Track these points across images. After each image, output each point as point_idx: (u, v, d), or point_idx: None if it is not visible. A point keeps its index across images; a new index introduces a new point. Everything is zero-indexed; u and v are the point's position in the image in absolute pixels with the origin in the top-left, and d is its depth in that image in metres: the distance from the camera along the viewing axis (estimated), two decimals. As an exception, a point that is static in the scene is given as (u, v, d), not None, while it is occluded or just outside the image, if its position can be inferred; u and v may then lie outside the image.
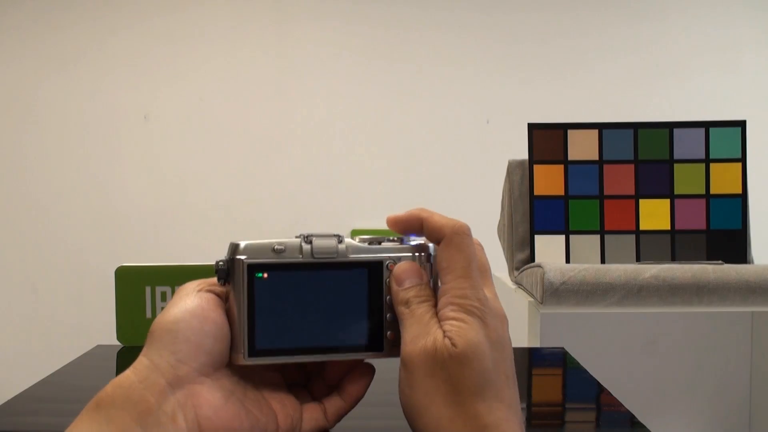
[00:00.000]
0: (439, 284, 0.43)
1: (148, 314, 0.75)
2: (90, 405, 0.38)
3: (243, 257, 0.41)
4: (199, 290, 0.42)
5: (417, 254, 0.44)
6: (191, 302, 0.40)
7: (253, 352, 0.41)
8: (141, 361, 0.39)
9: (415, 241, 0.44)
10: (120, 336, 0.77)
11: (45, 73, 2.82)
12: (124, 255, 2.67)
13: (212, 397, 0.39)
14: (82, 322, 2.70)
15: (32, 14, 2.81)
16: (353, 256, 0.43)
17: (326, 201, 2.81)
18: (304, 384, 0.46)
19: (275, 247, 0.41)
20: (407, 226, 0.44)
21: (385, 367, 0.45)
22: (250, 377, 0.43)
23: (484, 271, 0.42)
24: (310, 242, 0.42)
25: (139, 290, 0.75)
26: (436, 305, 0.41)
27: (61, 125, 2.82)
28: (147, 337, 0.40)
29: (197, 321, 0.40)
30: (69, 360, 0.71)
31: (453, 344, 0.38)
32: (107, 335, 0.79)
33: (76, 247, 2.80)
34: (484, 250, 0.44)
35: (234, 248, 0.41)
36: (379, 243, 0.44)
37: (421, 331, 0.40)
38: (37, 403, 0.58)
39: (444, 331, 0.39)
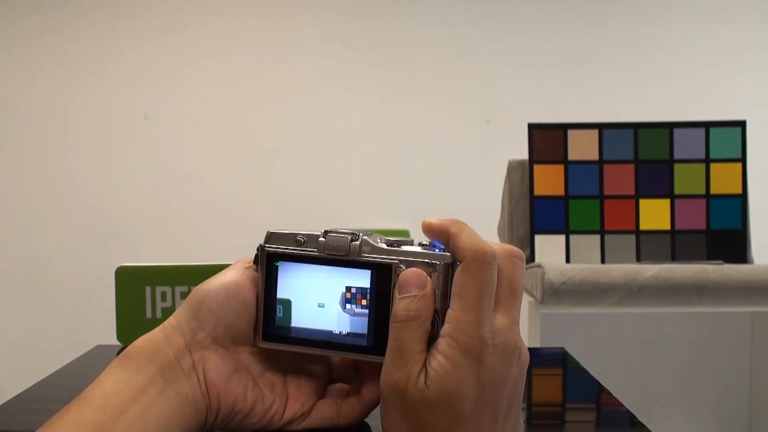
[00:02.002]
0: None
1: (148, 314, 0.75)
2: (120, 356, 0.42)
3: (267, 245, 0.43)
4: (247, 267, 0.44)
5: (433, 262, 0.40)
6: (230, 276, 0.43)
7: (266, 336, 0.43)
8: (170, 321, 0.43)
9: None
10: (120, 336, 0.77)
11: (44, 73, 2.82)
12: (124, 255, 2.67)
13: (222, 364, 0.42)
14: (82, 322, 2.70)
15: (31, 14, 2.81)
16: (366, 256, 0.42)
17: (326, 201, 2.81)
18: (348, 380, 0.46)
19: (298, 237, 0.43)
20: (436, 236, 0.42)
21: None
22: (276, 360, 0.44)
23: (513, 292, 0.39)
24: (326, 237, 0.42)
25: (139, 290, 0.75)
26: (433, 321, 0.39)
27: (61, 125, 2.82)
28: (185, 299, 0.43)
29: (225, 295, 0.42)
30: (69, 360, 0.71)
31: (427, 386, 0.37)
32: (107, 335, 0.79)
33: (76, 247, 2.80)
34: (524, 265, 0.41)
35: (267, 236, 0.43)
36: (399, 245, 0.42)
37: (398, 363, 0.38)
38: (37, 403, 0.58)
39: (427, 365, 0.38)
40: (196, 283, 0.44)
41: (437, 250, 0.41)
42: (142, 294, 0.75)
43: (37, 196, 2.82)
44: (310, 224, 2.73)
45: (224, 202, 2.81)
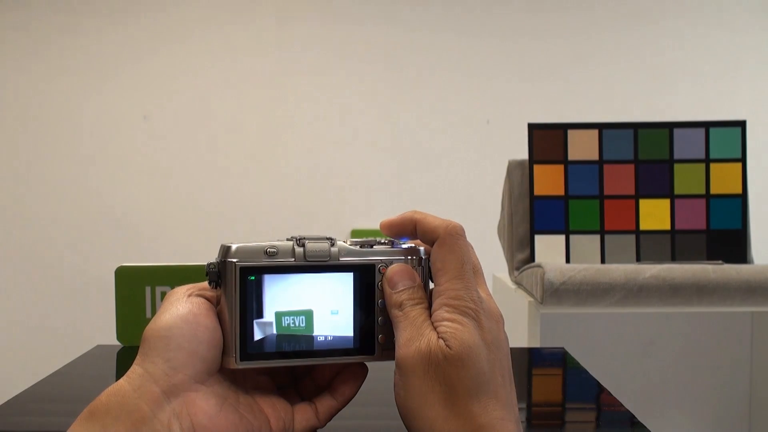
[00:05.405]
0: (432, 285, 0.42)
1: (148, 314, 0.75)
2: (83, 414, 0.37)
3: (235, 260, 0.40)
4: (190, 295, 0.41)
5: (409, 257, 0.44)
6: (183, 308, 0.40)
7: (245, 356, 0.40)
8: (135, 370, 0.39)
9: (407, 243, 0.44)
10: (120, 336, 0.77)
11: (45, 74, 2.82)
12: (124, 255, 2.67)
13: (207, 404, 0.39)
14: (82, 322, 2.70)
15: (33, 15, 2.81)
16: (345, 259, 0.43)
17: (326, 201, 2.81)
18: (293, 385, 0.46)
19: (267, 249, 0.41)
20: (401, 229, 0.44)
21: (378, 367, 0.45)
22: (241, 381, 0.42)
23: (477, 271, 0.42)
24: (303, 245, 0.42)
25: (139, 290, 0.75)
26: (429, 308, 0.41)
27: (61, 125, 2.82)
28: (140, 345, 0.40)
29: (190, 327, 0.39)
30: (69, 360, 0.71)
31: (448, 346, 0.38)
32: (107, 335, 0.79)
33: (76, 247, 2.80)
34: (482, 250, 0.44)
35: (225, 251, 0.41)
36: (371, 246, 0.43)
37: (415, 334, 0.40)
38: (37, 403, 0.58)
39: (438, 333, 0.39)
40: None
41: (401, 246, 0.44)
42: (142, 294, 0.75)
43: (37, 196, 2.82)
44: (310, 224, 2.74)
45: (224, 202, 2.81)
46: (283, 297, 0.41)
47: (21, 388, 0.61)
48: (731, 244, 1.38)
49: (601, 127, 1.42)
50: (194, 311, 0.40)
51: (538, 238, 1.39)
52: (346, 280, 0.43)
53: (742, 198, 1.39)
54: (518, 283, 1.38)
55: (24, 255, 2.82)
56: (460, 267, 0.41)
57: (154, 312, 0.75)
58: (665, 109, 2.73)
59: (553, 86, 2.81)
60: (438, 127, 2.83)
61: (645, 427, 0.54)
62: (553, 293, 1.17)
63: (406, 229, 0.43)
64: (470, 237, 0.43)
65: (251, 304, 0.41)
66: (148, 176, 2.82)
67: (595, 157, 1.41)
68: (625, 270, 1.19)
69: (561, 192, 1.40)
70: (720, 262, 1.29)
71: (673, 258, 1.37)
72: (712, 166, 1.40)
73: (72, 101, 2.82)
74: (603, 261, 1.38)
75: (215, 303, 0.42)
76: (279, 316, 0.41)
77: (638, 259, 1.38)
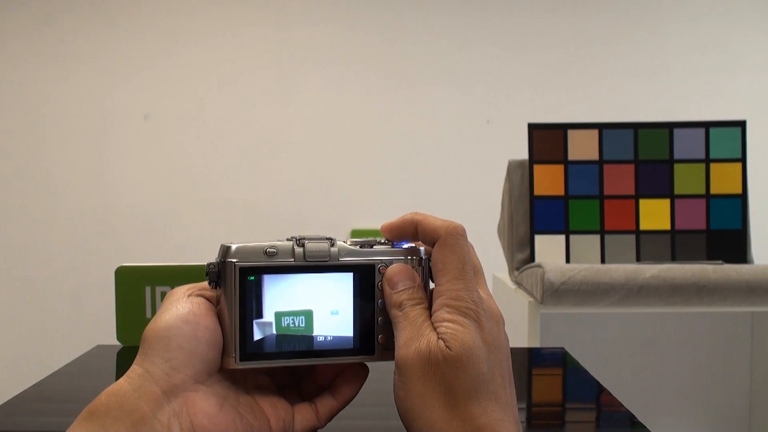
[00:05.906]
0: (432, 286, 0.43)
1: (148, 314, 0.75)
2: (83, 414, 0.37)
3: (234, 260, 0.40)
4: (190, 295, 0.41)
5: (409, 257, 0.44)
6: (182, 308, 0.40)
7: (244, 356, 0.41)
8: (134, 370, 0.39)
9: (407, 244, 0.44)
10: (120, 336, 0.77)
11: (45, 73, 2.82)
12: (124, 255, 2.67)
13: (207, 404, 0.39)
14: (82, 322, 2.70)
15: (33, 14, 2.81)
16: (345, 259, 0.43)
17: (326, 201, 2.81)
18: (294, 385, 0.46)
19: (267, 249, 0.41)
20: (402, 231, 0.44)
21: (378, 367, 0.45)
22: (241, 381, 0.42)
23: (477, 271, 0.42)
24: (303, 245, 0.42)
25: (139, 290, 0.75)
26: (429, 308, 0.41)
27: (61, 125, 2.82)
28: (140, 345, 0.40)
29: (190, 327, 0.39)
30: (69, 360, 0.71)
31: (447, 347, 0.38)
32: (107, 335, 0.79)
33: (76, 247, 2.80)
34: (482, 250, 0.44)
35: (225, 251, 0.41)
36: (371, 246, 0.43)
37: (415, 334, 0.40)
38: (37, 403, 0.58)
39: (438, 334, 0.39)
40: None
41: (402, 246, 0.44)
42: (142, 294, 0.75)
43: (37, 196, 2.82)
44: (310, 224, 2.73)
45: (224, 202, 2.81)
46: (283, 297, 0.41)
47: (21, 388, 0.61)
48: (731, 244, 1.38)
49: (601, 127, 1.42)
50: (194, 311, 0.40)
51: (538, 238, 1.39)
52: (346, 280, 0.43)
53: (742, 198, 1.39)
54: (518, 283, 1.38)
55: (24, 255, 2.82)
56: (461, 267, 0.41)
57: (154, 312, 0.75)
58: (665, 109, 2.73)
59: (553, 86, 2.81)
60: (438, 127, 2.83)
61: (645, 427, 0.54)
62: (553, 293, 1.17)
63: (407, 231, 0.43)
64: (470, 237, 0.43)
65: (251, 304, 0.41)
66: (148, 176, 2.82)
67: (595, 157, 1.41)
68: (625, 270, 1.19)
69: (561, 192, 1.40)
70: (720, 262, 1.30)
71: (673, 258, 1.37)
72: (712, 166, 1.40)
73: (72, 100, 2.82)
74: (603, 261, 1.38)
75: (215, 303, 0.42)
76: (279, 316, 0.41)
77: (638, 259, 1.38)
